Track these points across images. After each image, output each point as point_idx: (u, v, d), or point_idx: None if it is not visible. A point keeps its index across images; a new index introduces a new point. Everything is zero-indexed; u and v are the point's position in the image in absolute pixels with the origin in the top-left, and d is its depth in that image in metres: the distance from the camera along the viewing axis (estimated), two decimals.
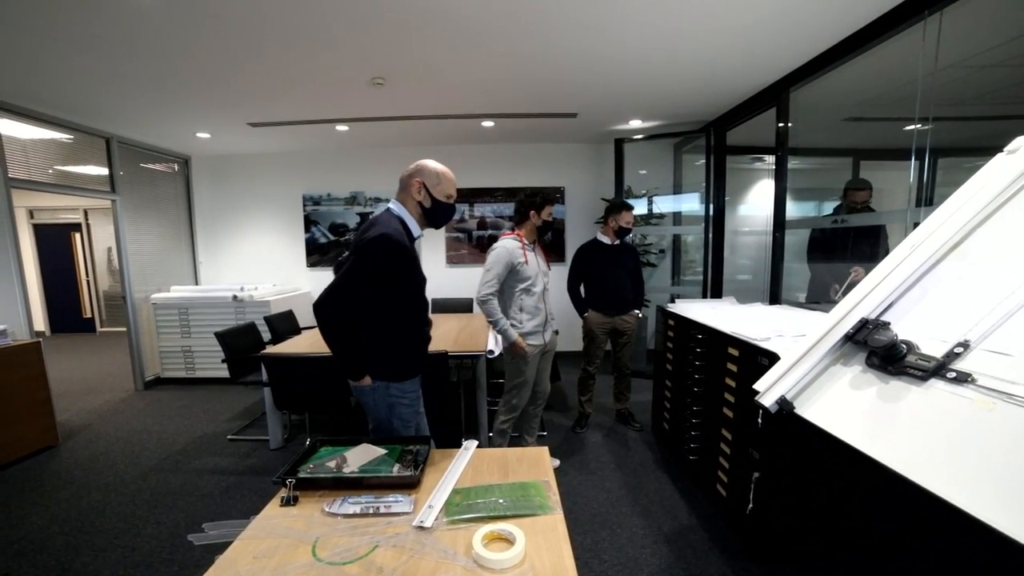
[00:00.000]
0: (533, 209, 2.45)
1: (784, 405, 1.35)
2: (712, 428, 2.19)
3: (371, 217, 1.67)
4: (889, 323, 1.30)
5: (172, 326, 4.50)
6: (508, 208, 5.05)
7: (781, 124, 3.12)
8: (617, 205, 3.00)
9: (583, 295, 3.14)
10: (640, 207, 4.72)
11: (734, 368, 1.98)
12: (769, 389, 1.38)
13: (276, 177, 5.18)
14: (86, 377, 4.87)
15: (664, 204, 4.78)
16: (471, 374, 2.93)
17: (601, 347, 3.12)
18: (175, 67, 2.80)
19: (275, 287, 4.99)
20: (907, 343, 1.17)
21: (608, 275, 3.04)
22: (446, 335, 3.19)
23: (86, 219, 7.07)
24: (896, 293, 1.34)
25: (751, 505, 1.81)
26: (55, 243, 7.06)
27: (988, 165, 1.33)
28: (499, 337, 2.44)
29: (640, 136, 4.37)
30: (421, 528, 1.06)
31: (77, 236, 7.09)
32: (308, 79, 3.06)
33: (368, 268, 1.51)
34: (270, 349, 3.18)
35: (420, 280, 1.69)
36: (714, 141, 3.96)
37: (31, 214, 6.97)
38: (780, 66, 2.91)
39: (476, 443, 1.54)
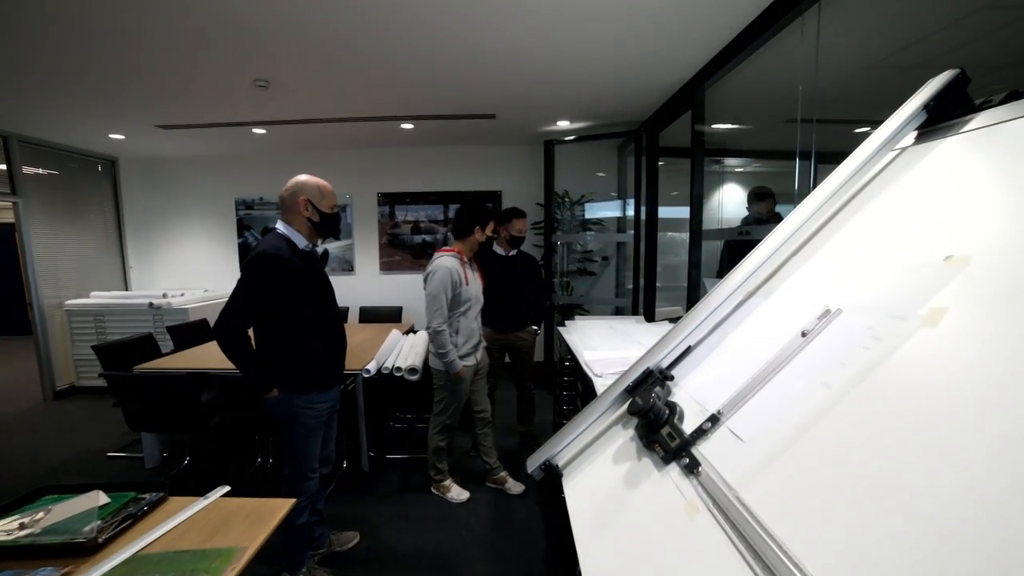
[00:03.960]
0: (478, 224, 2.30)
1: (549, 472, 1.13)
2: None
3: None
4: (672, 377, 1.08)
5: (87, 333, 4.32)
6: (441, 211, 4.84)
7: (697, 124, 2.89)
8: (506, 212, 2.79)
9: None
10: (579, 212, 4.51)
11: (579, 404, 1.76)
12: (538, 451, 1.17)
13: (208, 180, 5.01)
14: (3, 384, 4.71)
15: (608, 209, 4.56)
16: (352, 392, 2.71)
17: (496, 364, 2.90)
18: (67, 68, 2.67)
19: (207, 292, 4.83)
20: (671, 407, 0.96)
21: (501, 288, 2.81)
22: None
23: None
24: (695, 337, 1.12)
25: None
26: None
27: (820, 186, 1.10)
28: (392, 358, 2.27)
29: (571, 138, 4.15)
30: None
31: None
32: (192, 81, 2.90)
33: (250, 287, 1.61)
34: (161, 361, 2.98)
35: (314, 293, 1.74)
36: (646, 143, 3.74)
37: None
38: (691, 61, 2.69)
39: (226, 489, 1.35)
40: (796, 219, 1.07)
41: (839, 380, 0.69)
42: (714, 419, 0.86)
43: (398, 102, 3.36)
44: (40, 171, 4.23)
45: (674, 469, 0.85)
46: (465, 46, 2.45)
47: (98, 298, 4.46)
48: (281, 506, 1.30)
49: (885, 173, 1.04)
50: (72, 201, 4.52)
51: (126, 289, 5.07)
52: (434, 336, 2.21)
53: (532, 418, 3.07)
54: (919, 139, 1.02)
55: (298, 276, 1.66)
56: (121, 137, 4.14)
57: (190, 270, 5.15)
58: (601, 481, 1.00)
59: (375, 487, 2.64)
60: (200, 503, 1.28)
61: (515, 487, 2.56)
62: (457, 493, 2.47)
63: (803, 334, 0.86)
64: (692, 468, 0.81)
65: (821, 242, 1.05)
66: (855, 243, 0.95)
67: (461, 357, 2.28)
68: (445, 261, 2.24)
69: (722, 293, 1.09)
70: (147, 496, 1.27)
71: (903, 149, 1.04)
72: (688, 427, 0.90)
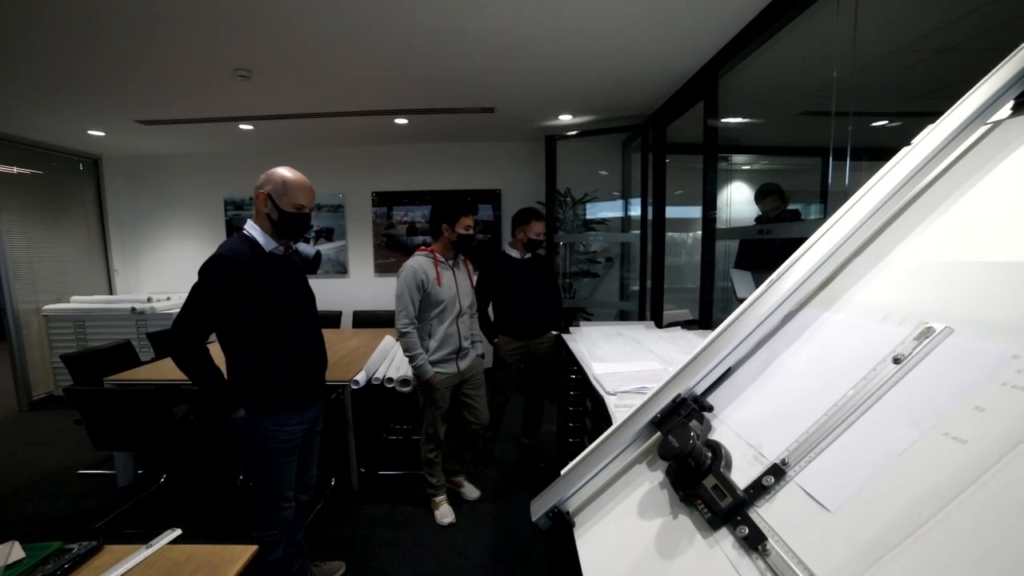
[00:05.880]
0: (444, 222, 2.11)
1: (557, 520, 0.92)
2: None
3: None
4: (711, 407, 0.87)
5: (67, 339, 4.12)
6: None
7: (710, 117, 2.68)
8: (524, 214, 2.59)
9: (491, 317, 2.73)
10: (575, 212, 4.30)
11: (588, 424, 1.56)
12: (544, 493, 0.96)
13: (196, 180, 4.81)
14: None
15: (610, 209, 4.36)
16: (340, 404, 2.51)
17: (510, 375, 2.71)
18: (39, 60, 2.50)
19: None
20: (715, 449, 0.74)
21: (520, 294, 2.62)
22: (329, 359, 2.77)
23: None
24: (737, 355, 0.90)
25: None
26: None
27: (888, 165, 0.89)
28: (384, 367, 2.13)
29: (574, 132, 3.95)
30: None
31: None
32: (169, 71, 2.71)
33: (203, 291, 1.43)
34: (135, 372, 2.77)
35: (282, 302, 1.54)
36: (652, 137, 3.53)
37: None
38: (705, 45, 2.49)
39: (175, 534, 1.14)
40: (861, 210, 0.86)
41: (978, 433, 0.48)
42: (777, 472, 0.65)
43: (390, 95, 3.17)
44: (16, 169, 4.03)
45: (726, 538, 0.64)
46: (461, 32, 2.25)
47: (79, 303, 4.26)
48: (240, 554, 1.09)
49: (975, 153, 0.84)
50: (52, 201, 4.31)
51: (110, 293, 4.86)
52: (400, 338, 2.10)
53: (538, 430, 2.87)
54: (1018, 110, 0.82)
55: (259, 283, 1.47)
56: (101, 134, 3.95)
57: (177, 273, 4.94)
58: (624, 541, 0.78)
59: (365, 508, 2.44)
60: (140, 553, 1.08)
61: (471, 492, 2.49)
62: (442, 515, 2.30)
63: (895, 360, 0.65)
64: (754, 542, 0.60)
65: (896, 237, 0.84)
66: (951, 239, 0.74)
67: (434, 364, 2.13)
68: (412, 261, 2.12)
69: (769, 301, 0.88)
70: (75, 547, 1.06)
71: (996, 123, 0.83)
72: (740, 479, 0.69)
